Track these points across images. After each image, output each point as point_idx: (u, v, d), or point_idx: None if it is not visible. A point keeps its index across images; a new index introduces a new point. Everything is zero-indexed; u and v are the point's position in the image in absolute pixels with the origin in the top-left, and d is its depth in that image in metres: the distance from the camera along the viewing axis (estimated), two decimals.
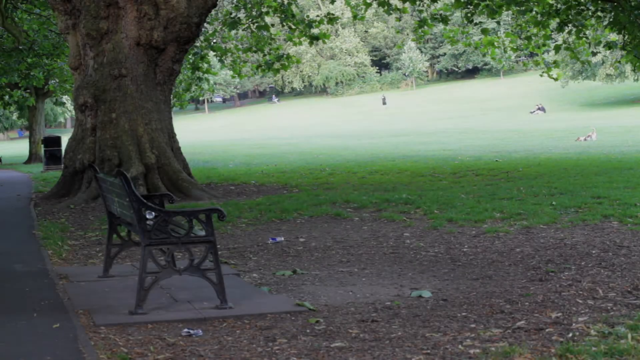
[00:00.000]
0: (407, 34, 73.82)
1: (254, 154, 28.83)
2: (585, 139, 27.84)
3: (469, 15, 17.50)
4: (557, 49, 17.91)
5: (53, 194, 13.97)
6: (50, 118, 56.05)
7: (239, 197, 13.41)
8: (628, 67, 52.95)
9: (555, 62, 19.41)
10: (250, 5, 20.05)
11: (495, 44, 19.47)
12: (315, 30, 20.04)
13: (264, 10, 19.86)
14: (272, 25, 20.62)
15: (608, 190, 11.42)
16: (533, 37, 18.45)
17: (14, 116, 49.96)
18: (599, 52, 18.58)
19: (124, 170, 12.21)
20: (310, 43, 20.18)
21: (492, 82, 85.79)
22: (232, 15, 20.12)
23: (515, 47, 19.45)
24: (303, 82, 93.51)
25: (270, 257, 7.71)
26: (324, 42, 21.61)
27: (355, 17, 20.13)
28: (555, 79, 18.54)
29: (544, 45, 18.50)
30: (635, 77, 55.64)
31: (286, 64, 20.85)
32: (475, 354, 4.23)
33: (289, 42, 20.60)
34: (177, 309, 5.56)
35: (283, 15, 19.54)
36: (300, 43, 20.20)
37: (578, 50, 18.49)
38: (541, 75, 19.13)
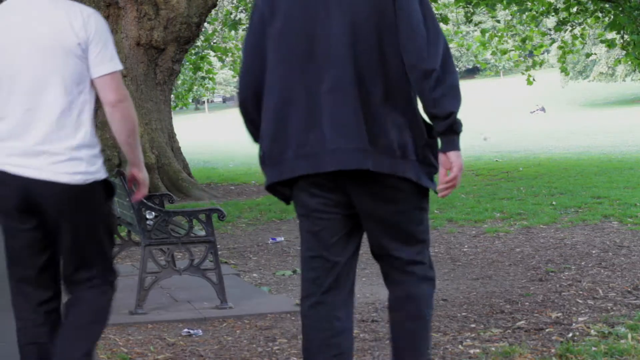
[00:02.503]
0: None
1: (254, 154, 28.80)
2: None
3: (469, 14, 17.51)
4: (553, 43, 17.95)
5: None
6: None
7: (239, 197, 13.41)
8: (620, 68, 52.93)
9: (541, 62, 19.40)
10: (250, 6, 20.07)
11: (487, 45, 19.50)
12: None
13: None
14: None
15: (608, 190, 11.41)
16: (528, 39, 18.50)
17: None
18: (595, 54, 18.53)
19: (124, 170, 12.21)
20: None
21: (492, 82, 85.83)
22: (232, 16, 20.16)
23: (504, 50, 19.46)
24: None
25: (270, 257, 7.70)
26: None
27: None
28: (529, 82, 18.51)
29: (541, 46, 18.54)
30: (635, 77, 55.65)
31: None
32: (475, 354, 4.23)
33: None
34: (177, 309, 5.57)
35: None
36: None
37: (574, 50, 18.51)
38: (522, 74, 19.12)
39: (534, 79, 18.56)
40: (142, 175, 3.23)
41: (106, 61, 3.02)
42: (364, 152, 2.87)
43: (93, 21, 3.01)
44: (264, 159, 3.04)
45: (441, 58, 2.83)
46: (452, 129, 2.97)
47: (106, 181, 3.13)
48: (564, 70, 19.50)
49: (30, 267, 3.07)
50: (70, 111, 2.99)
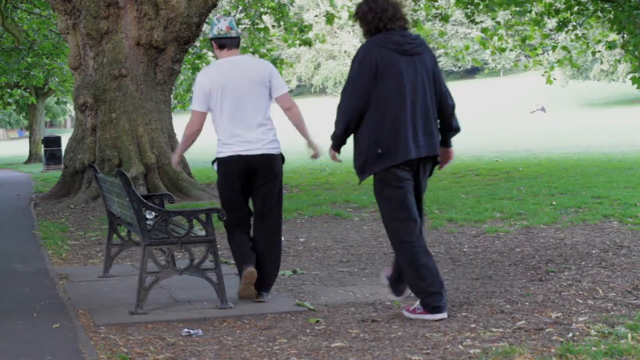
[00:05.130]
0: None
1: None
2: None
3: (469, 15, 17.50)
4: (555, 48, 17.92)
5: (53, 194, 13.97)
6: (58, 114, 56.29)
7: None
8: (621, 67, 52.89)
9: (558, 60, 19.39)
10: (248, 6, 20.08)
11: (486, 44, 19.48)
12: (310, 34, 20.15)
13: (263, 10, 19.89)
14: (273, 27, 20.70)
15: (608, 190, 11.41)
16: (528, 39, 18.48)
17: (13, 115, 50.05)
18: (599, 51, 18.48)
19: (124, 170, 12.20)
20: (301, 44, 20.29)
21: (492, 82, 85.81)
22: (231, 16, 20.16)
23: (502, 48, 19.43)
24: (301, 82, 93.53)
25: None
26: (313, 46, 21.86)
27: (351, 16, 20.19)
28: (549, 82, 18.53)
29: (541, 44, 18.51)
30: (627, 77, 55.46)
31: (280, 66, 21.02)
32: (475, 354, 4.24)
33: (283, 43, 20.77)
34: (177, 309, 5.57)
35: (279, 15, 19.60)
36: (294, 45, 20.30)
37: (581, 50, 18.47)
38: (543, 75, 19.14)
39: (554, 78, 18.56)
40: (315, 143, 5.87)
41: (280, 87, 5.72)
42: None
43: (272, 68, 5.74)
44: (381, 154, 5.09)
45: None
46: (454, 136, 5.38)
47: (281, 154, 5.76)
48: (575, 66, 19.53)
49: (238, 204, 5.72)
50: (265, 116, 5.68)
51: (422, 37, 5.23)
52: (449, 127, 5.26)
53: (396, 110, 5.02)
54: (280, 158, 5.74)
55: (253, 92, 5.60)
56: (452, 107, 5.24)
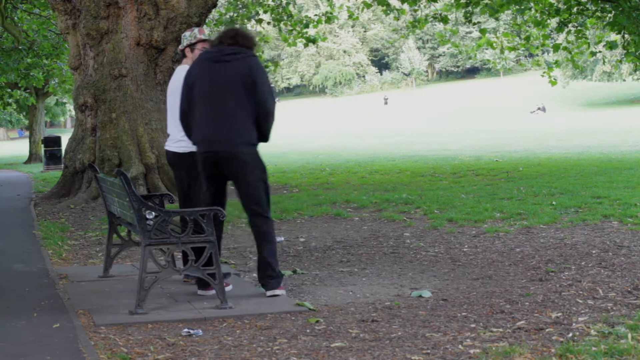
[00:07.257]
0: (404, 34, 73.82)
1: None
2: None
3: (468, 14, 17.49)
4: (557, 48, 17.88)
5: (53, 194, 13.96)
6: (58, 114, 56.43)
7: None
8: (625, 67, 52.93)
9: (556, 62, 19.39)
10: (245, 6, 20.09)
11: (494, 44, 19.47)
12: (312, 31, 20.17)
13: (260, 13, 19.92)
14: (275, 26, 20.71)
15: (608, 190, 11.41)
16: (532, 37, 18.44)
17: (14, 114, 50.09)
18: (600, 52, 18.44)
19: (124, 170, 12.18)
20: (306, 45, 20.29)
21: (492, 82, 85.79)
22: (228, 16, 20.20)
23: (512, 47, 19.42)
24: (302, 81, 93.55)
25: None
26: (317, 46, 21.90)
27: (350, 16, 20.21)
28: (552, 83, 18.49)
29: (542, 45, 18.49)
30: (635, 77, 55.42)
31: (273, 68, 21.11)
32: (475, 354, 4.24)
33: (283, 42, 20.80)
34: (177, 309, 5.57)
35: (279, 16, 19.61)
36: (294, 44, 20.31)
37: (578, 52, 18.46)
38: (542, 76, 19.13)
39: (555, 79, 18.55)
40: None
41: None
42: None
43: None
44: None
45: None
46: None
47: (190, 153, 6.28)
48: (577, 66, 19.51)
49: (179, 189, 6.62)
50: None
51: (242, 51, 5.91)
52: (259, 131, 5.87)
53: (199, 109, 5.92)
54: (186, 156, 6.37)
55: (176, 100, 6.37)
56: (267, 113, 5.82)
